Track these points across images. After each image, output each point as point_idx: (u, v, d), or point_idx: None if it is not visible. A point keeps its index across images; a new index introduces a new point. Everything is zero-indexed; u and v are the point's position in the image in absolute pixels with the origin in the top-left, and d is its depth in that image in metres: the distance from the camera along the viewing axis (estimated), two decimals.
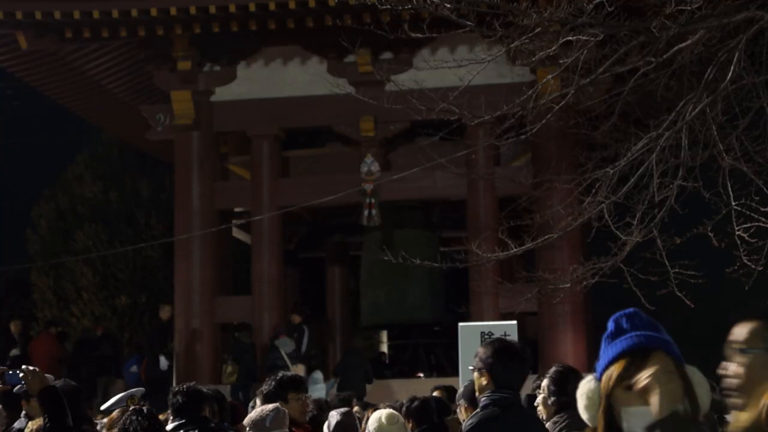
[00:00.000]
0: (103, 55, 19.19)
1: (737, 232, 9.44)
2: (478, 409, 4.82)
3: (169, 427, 5.68)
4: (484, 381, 4.78)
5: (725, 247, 9.79)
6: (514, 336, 10.80)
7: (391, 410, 5.89)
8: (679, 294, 10.20)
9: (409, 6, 9.33)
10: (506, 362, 4.74)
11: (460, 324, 11.00)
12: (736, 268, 9.85)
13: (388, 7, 9.45)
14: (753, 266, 9.69)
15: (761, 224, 9.48)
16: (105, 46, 18.79)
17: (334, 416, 6.29)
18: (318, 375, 17.12)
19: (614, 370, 2.27)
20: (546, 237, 10.95)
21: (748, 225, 9.44)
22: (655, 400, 2.17)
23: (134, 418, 4.38)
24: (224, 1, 16.49)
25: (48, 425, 5.04)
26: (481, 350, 4.88)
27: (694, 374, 2.32)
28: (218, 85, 18.93)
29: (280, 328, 17.53)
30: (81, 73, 19.47)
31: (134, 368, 17.87)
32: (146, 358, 17.84)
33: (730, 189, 9.49)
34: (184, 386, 5.89)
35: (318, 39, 17.76)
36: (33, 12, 16.86)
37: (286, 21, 17.13)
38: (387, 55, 17.86)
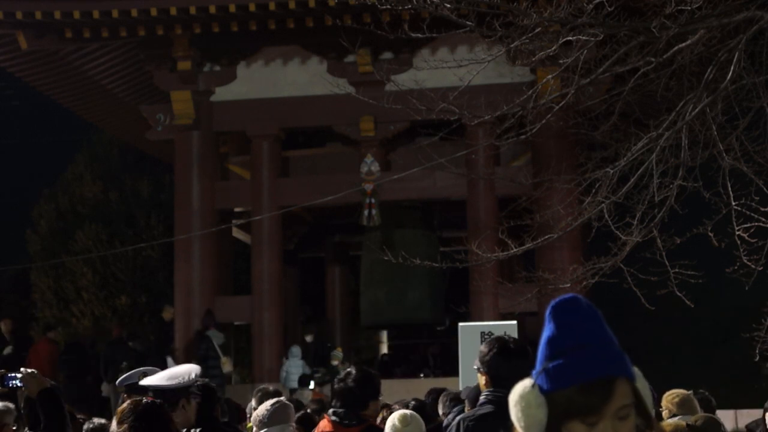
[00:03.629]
0: (103, 55, 19.20)
1: (737, 232, 9.44)
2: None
3: None
4: (483, 380, 4.79)
5: (725, 247, 9.78)
6: (514, 336, 10.81)
7: (403, 411, 5.77)
8: (679, 294, 10.19)
9: (409, 6, 9.33)
10: (503, 361, 4.70)
11: (460, 324, 11.00)
12: (736, 268, 9.84)
13: (388, 7, 9.45)
14: (753, 266, 9.68)
15: (761, 224, 9.48)
16: (105, 46, 18.79)
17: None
18: (296, 349, 17.33)
19: (573, 398, 2.02)
20: (546, 237, 10.94)
21: (748, 225, 9.44)
22: None
23: (144, 415, 4.36)
24: (224, 1, 16.50)
25: (46, 427, 5.03)
26: (481, 349, 4.85)
27: (640, 382, 2.09)
28: (218, 85, 18.94)
29: (209, 319, 17.76)
30: (81, 73, 19.47)
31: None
32: (152, 360, 17.79)
33: (730, 189, 9.49)
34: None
35: (318, 39, 17.77)
36: (33, 12, 16.86)
37: (286, 21, 17.14)
38: (387, 55, 17.87)
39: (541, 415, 2.07)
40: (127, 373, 6.42)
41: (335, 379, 5.51)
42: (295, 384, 17.34)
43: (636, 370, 2.10)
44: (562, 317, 2.08)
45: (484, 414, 4.66)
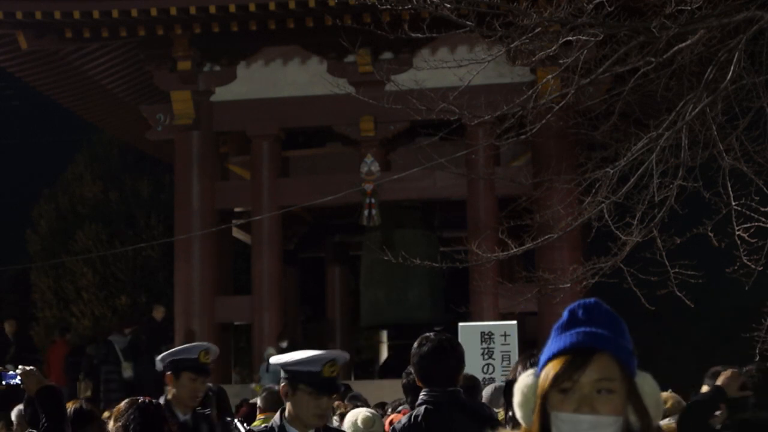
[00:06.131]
0: (103, 55, 19.20)
1: (737, 232, 9.44)
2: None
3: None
4: (418, 381, 4.65)
5: (725, 247, 9.78)
6: (514, 336, 10.81)
7: (366, 413, 5.57)
8: (679, 294, 10.19)
9: (409, 6, 9.33)
10: (431, 360, 4.55)
11: (460, 324, 11.01)
12: (736, 268, 9.84)
13: (388, 7, 9.45)
14: (753, 266, 9.68)
15: (761, 224, 9.48)
16: (105, 46, 18.79)
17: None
18: (272, 350, 17.23)
19: (551, 369, 2.01)
20: (546, 237, 10.94)
21: (748, 225, 9.44)
22: None
23: (137, 414, 4.37)
24: (224, 1, 16.50)
25: (46, 425, 5.02)
26: (412, 350, 4.68)
27: (645, 383, 2.05)
28: (218, 85, 18.94)
29: (114, 324, 18.44)
30: (81, 73, 19.47)
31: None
32: (142, 358, 17.78)
33: (730, 189, 9.48)
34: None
35: (318, 39, 17.77)
36: (33, 12, 16.87)
37: (286, 21, 17.14)
38: (387, 55, 17.88)
39: (530, 395, 2.05)
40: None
41: None
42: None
43: (645, 375, 2.07)
44: (574, 309, 2.09)
45: (418, 416, 4.52)
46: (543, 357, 2.07)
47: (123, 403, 4.50)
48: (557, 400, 2.00)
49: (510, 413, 4.46)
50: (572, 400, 1.99)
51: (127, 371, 16.88)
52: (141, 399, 4.51)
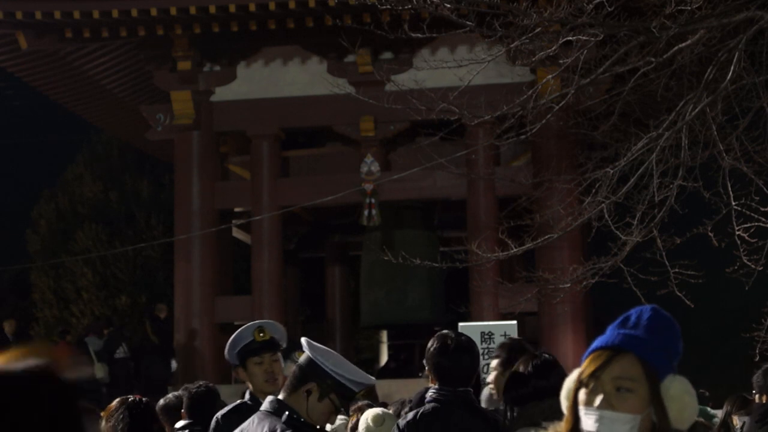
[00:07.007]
0: (103, 55, 19.20)
1: (737, 232, 9.45)
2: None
3: (178, 425, 5.66)
4: (431, 379, 4.65)
5: (725, 247, 9.80)
6: (513, 336, 10.80)
7: (376, 411, 5.62)
8: (679, 294, 10.21)
9: (409, 6, 9.34)
10: (449, 359, 4.53)
11: (460, 324, 10.99)
12: (736, 268, 9.86)
13: (388, 7, 9.46)
14: (753, 266, 9.70)
15: (761, 224, 9.49)
16: (105, 46, 18.79)
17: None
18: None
19: (583, 365, 2.14)
20: (546, 237, 10.95)
21: (748, 225, 9.46)
22: None
23: (126, 414, 4.37)
24: (224, 1, 16.50)
25: None
26: (428, 349, 4.68)
27: (672, 386, 2.11)
28: (218, 85, 18.94)
29: (90, 327, 18.46)
30: (81, 73, 19.47)
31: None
32: (151, 358, 17.79)
33: (730, 189, 9.50)
34: (199, 385, 5.83)
35: (318, 39, 17.78)
36: (33, 12, 16.86)
37: (286, 21, 17.14)
38: (387, 55, 17.88)
39: (572, 387, 2.15)
40: None
41: None
42: None
43: (678, 379, 2.14)
44: (630, 313, 2.21)
45: (424, 414, 4.51)
46: (584, 355, 2.20)
47: (114, 403, 4.49)
48: (583, 394, 2.11)
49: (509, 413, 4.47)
50: (594, 395, 2.10)
51: (99, 372, 16.99)
52: (131, 398, 4.50)
